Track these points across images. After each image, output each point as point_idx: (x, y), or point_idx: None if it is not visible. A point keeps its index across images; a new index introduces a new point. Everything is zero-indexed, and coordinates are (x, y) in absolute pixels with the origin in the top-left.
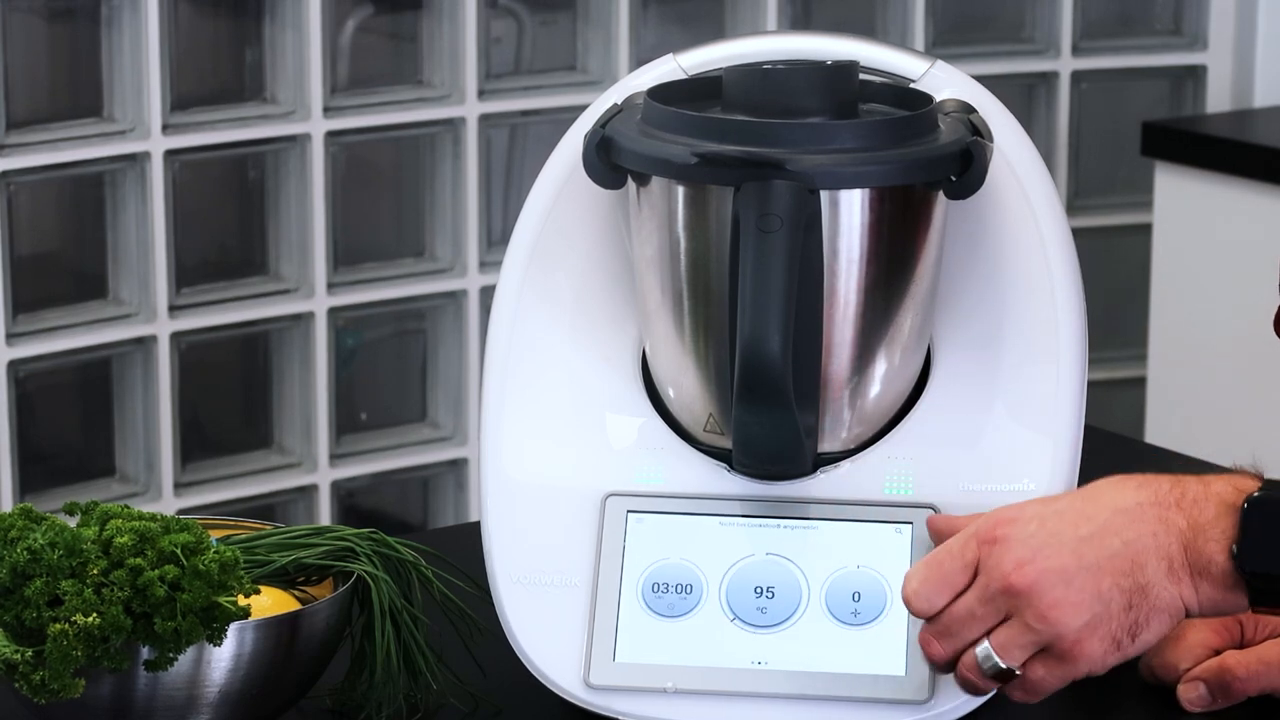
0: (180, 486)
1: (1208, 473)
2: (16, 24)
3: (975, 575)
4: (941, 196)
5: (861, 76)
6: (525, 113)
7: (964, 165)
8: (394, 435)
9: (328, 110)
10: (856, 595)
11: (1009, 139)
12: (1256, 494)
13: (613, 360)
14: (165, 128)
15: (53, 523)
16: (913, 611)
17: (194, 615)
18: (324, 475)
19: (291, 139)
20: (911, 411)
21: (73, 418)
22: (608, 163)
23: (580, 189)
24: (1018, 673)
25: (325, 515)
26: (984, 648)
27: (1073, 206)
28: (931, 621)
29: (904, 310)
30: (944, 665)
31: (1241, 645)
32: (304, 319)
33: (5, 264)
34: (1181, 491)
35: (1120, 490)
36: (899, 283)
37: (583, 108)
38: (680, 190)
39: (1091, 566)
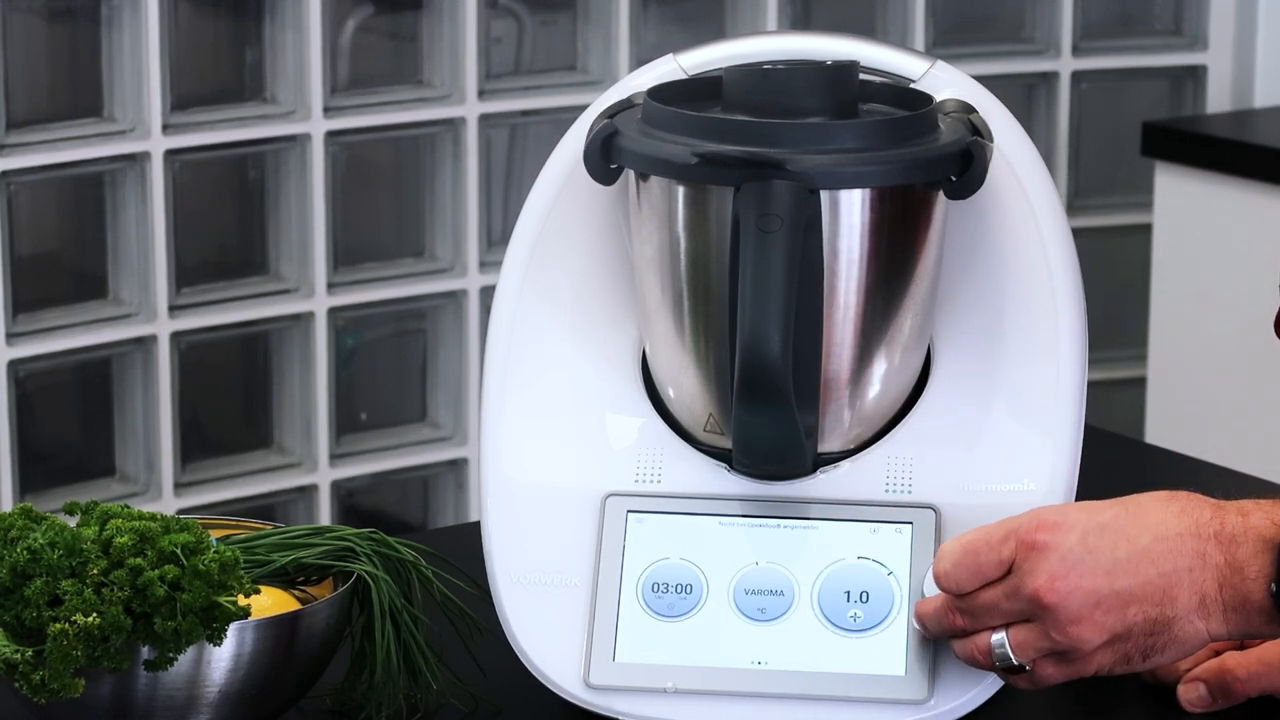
0: (180, 486)
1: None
2: (16, 24)
3: (1008, 571)
4: (941, 196)
5: (861, 76)
6: (525, 113)
7: (964, 165)
8: (394, 435)
9: (328, 110)
10: (856, 595)
11: (1009, 139)
12: None
13: (613, 360)
14: (165, 128)
15: (53, 523)
16: (940, 588)
17: (194, 615)
18: (324, 475)
19: (291, 139)
20: (911, 411)
21: (73, 418)
22: (608, 158)
23: (580, 189)
24: (1026, 669)
25: (325, 515)
26: (999, 639)
27: (1073, 206)
28: (956, 599)
29: (904, 310)
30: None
31: (1242, 646)
32: (304, 319)
33: (5, 264)
34: (1221, 523)
35: (1164, 513)
36: (899, 283)
37: (583, 108)
38: (680, 190)
39: (1123, 592)
